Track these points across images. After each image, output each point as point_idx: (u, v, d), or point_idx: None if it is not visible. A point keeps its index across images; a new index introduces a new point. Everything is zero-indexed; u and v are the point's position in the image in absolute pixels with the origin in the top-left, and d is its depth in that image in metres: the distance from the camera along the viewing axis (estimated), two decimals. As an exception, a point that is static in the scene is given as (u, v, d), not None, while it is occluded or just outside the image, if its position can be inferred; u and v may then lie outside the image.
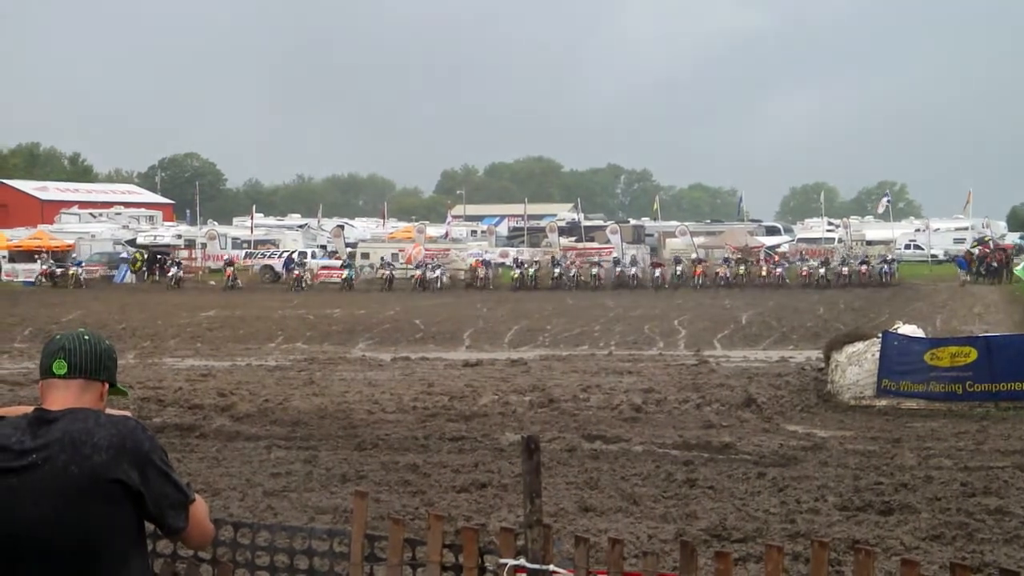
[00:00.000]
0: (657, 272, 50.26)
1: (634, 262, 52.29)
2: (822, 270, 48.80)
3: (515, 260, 54.95)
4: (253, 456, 14.14)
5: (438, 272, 49.39)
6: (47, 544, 2.91)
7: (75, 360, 3.13)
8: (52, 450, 2.90)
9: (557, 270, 50.50)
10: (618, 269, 51.65)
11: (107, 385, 3.18)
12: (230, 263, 52.89)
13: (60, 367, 3.11)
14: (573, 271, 51.00)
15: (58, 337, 3.28)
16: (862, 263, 49.53)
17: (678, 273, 48.82)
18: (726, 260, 52.11)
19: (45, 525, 2.88)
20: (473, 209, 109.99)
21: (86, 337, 3.24)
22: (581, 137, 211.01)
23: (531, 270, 50.48)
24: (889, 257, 52.14)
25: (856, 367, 18.35)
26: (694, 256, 54.15)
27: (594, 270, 50.27)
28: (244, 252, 60.50)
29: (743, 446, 14.52)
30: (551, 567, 4.26)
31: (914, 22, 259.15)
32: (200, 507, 3.23)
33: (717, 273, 49.71)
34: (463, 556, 4.37)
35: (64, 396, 3.07)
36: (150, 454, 3.04)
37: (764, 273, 50.19)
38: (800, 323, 31.94)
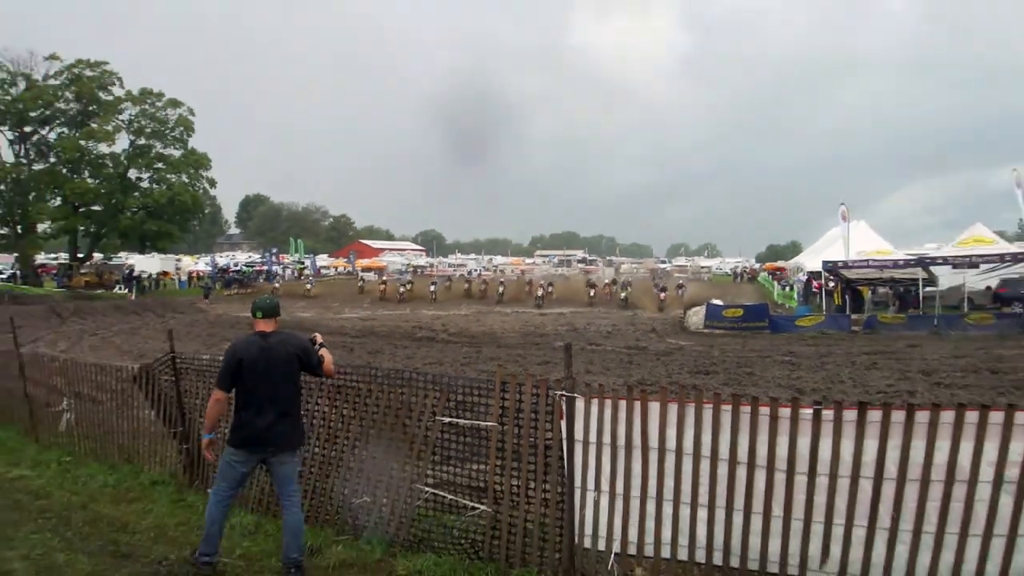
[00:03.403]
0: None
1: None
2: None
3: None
4: (455, 351, 27.82)
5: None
6: (282, 372, 7.16)
7: (266, 309, 7.44)
8: (276, 342, 7.20)
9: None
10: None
11: (277, 318, 7.50)
12: (448, 279, 67.86)
13: (258, 314, 7.41)
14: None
15: (257, 301, 7.64)
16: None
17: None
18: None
19: (282, 365, 7.18)
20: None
21: (268, 299, 7.63)
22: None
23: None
24: (705, 277, 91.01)
25: (696, 316, 37.31)
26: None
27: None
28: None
29: (651, 348, 28.85)
30: (575, 394, 7.13)
31: None
32: (327, 362, 7.61)
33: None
34: (539, 389, 7.39)
35: (265, 324, 7.35)
36: (306, 346, 7.44)
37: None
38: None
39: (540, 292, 51.89)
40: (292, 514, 7.32)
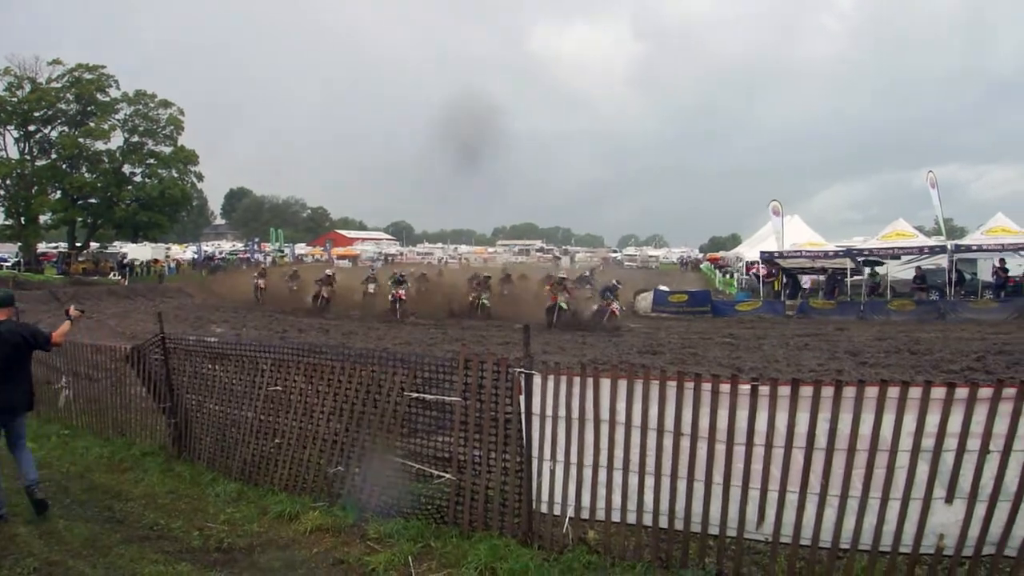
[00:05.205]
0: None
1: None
2: None
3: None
4: (422, 332, 27.85)
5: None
6: (12, 353, 8.05)
7: (2, 300, 8.24)
8: (5, 329, 7.79)
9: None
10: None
11: (12, 308, 8.29)
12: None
13: None
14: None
15: None
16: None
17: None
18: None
19: (11, 349, 7.91)
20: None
21: (2, 292, 8.46)
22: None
23: None
24: (653, 265, 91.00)
25: (644, 301, 37.38)
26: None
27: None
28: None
29: (603, 330, 29.07)
30: (533, 371, 7.14)
31: None
32: (57, 334, 8.44)
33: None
34: (499, 367, 7.33)
35: (1, 313, 8.08)
36: (34, 330, 8.24)
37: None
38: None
39: (483, 300, 34.53)
40: (25, 456, 8.31)
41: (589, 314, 30.67)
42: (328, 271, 40.24)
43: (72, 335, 10.04)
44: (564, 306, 30.14)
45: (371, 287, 37.73)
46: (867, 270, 38.06)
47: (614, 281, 33.95)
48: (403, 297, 34.93)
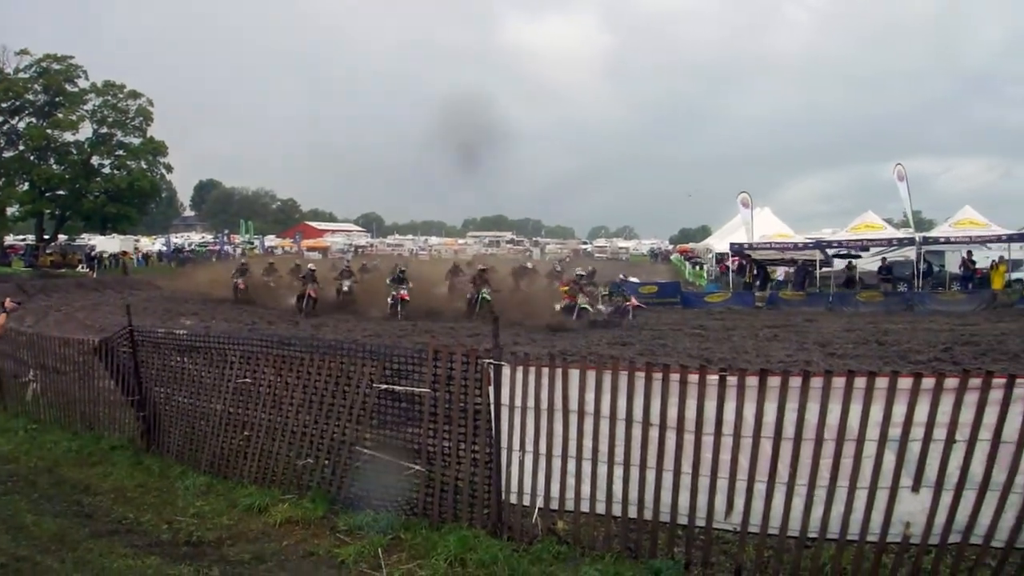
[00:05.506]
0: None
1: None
2: None
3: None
4: (392, 325, 27.35)
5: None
6: None
7: None
8: None
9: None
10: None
11: None
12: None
13: None
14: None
15: None
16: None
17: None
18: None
19: None
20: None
21: None
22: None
23: None
24: (624, 257, 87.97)
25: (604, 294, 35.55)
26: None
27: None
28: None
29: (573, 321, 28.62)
30: (502, 362, 7.03)
31: None
32: None
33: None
34: (468, 358, 7.26)
35: None
36: None
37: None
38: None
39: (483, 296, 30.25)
40: None
41: (607, 313, 28.53)
42: (311, 266, 35.20)
43: (41, 328, 9.94)
44: (588, 307, 27.80)
45: (346, 284, 32.91)
46: (845, 262, 38.24)
47: (579, 271, 31.80)
48: (406, 298, 30.36)
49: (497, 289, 31.55)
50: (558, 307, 28.08)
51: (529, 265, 36.84)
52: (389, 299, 30.45)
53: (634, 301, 29.59)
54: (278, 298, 35.00)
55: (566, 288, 29.10)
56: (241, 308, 33.61)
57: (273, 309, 33.05)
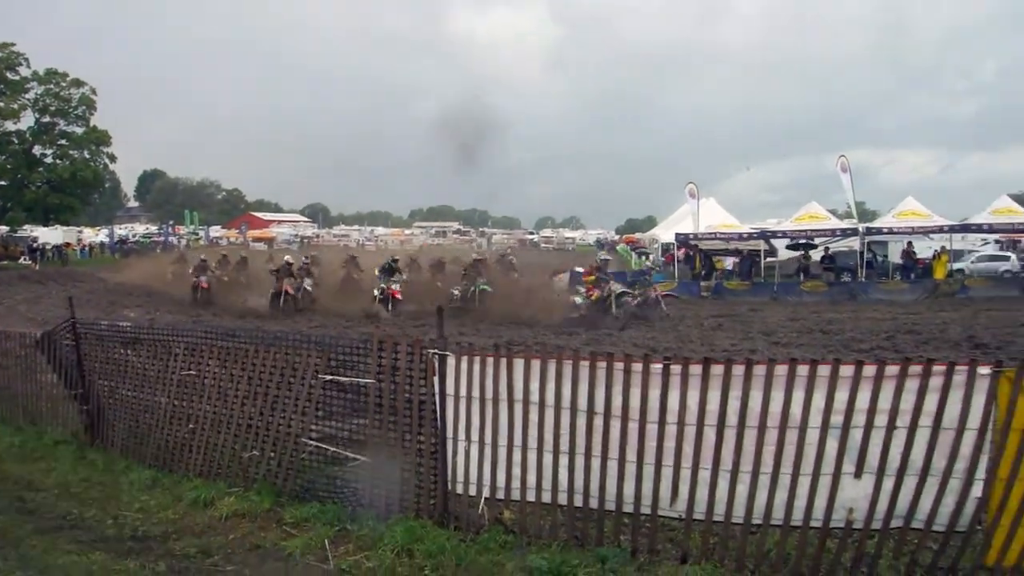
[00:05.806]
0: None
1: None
2: None
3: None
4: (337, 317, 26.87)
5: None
6: None
7: None
8: None
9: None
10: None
11: None
12: None
13: None
14: None
15: None
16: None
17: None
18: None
19: None
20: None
21: None
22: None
23: None
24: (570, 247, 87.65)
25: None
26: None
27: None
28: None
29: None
30: (447, 352, 6.96)
31: None
32: None
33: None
34: (413, 348, 7.14)
35: None
36: None
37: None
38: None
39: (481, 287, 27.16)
40: None
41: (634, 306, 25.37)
42: (287, 258, 31.01)
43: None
44: (627, 295, 25.21)
45: (308, 283, 29.07)
46: (799, 252, 38.45)
47: (602, 256, 28.95)
48: (398, 296, 27.40)
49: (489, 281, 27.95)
50: (578, 300, 25.49)
51: (477, 256, 35.28)
52: (377, 292, 27.79)
53: (660, 290, 27.01)
54: (246, 297, 30.63)
55: (591, 278, 25.86)
56: (201, 310, 29.71)
57: (243, 315, 27.44)
